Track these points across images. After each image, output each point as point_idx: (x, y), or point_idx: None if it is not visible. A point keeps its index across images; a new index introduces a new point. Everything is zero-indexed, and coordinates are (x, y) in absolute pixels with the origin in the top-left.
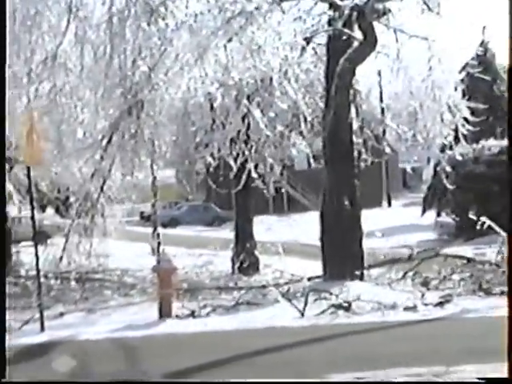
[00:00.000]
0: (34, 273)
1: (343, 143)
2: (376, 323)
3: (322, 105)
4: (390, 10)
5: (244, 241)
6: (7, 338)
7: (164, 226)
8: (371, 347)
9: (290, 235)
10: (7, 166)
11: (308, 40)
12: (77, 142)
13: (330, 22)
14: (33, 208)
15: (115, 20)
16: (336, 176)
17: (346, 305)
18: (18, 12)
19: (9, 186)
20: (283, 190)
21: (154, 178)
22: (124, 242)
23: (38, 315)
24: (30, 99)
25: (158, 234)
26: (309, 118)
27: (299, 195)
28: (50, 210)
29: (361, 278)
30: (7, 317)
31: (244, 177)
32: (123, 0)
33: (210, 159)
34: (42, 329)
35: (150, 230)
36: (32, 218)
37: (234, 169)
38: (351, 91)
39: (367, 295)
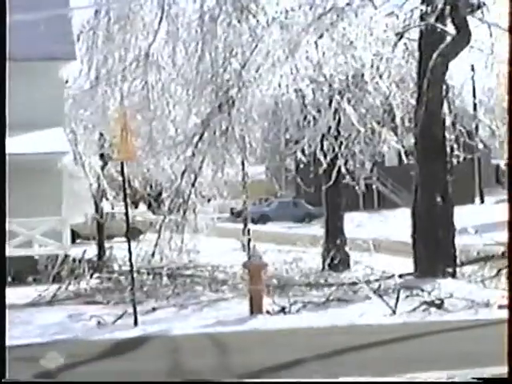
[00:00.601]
0: (126, 268)
1: (435, 139)
2: (469, 321)
3: (413, 101)
4: (484, 4)
5: (334, 237)
6: (100, 332)
7: (254, 222)
8: (464, 345)
9: (381, 232)
10: (101, 163)
11: (400, 35)
12: (168, 138)
13: (422, 17)
14: (126, 204)
15: (206, 18)
16: (428, 172)
17: (438, 302)
18: (112, 12)
19: (103, 183)
20: (373, 187)
21: (245, 174)
22: (215, 238)
23: (131, 310)
24: (123, 97)
25: (249, 230)
26: (400, 114)
27: (389, 192)
28: (142, 207)
29: (453, 275)
30: (100, 312)
31: (334, 173)
32: None
33: (300, 155)
34: (136, 323)
35: (240, 226)
36: (126, 213)
37: (325, 165)
38: (444, 86)
39: (460, 293)
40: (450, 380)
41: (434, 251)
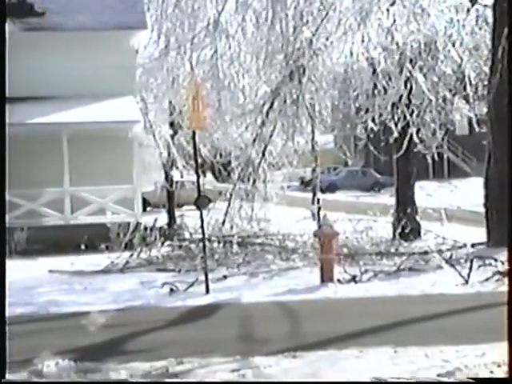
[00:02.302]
0: (197, 236)
1: (509, 107)
2: None
3: (486, 68)
4: None
5: (405, 206)
6: (172, 299)
7: (322, 191)
8: None
9: (452, 201)
10: (171, 132)
11: (474, 1)
12: (238, 107)
13: None
14: (198, 172)
15: None
16: (501, 141)
17: None
18: None
19: (173, 151)
20: (444, 156)
21: (314, 143)
22: (284, 207)
23: (202, 278)
24: (192, 65)
25: (319, 199)
26: (473, 82)
27: (460, 161)
28: (210, 176)
29: None
30: (172, 279)
31: (405, 142)
32: None
33: (371, 124)
34: (207, 291)
35: (309, 195)
36: (197, 182)
37: (396, 134)
38: None
39: None
40: (452, 380)
41: (508, 220)
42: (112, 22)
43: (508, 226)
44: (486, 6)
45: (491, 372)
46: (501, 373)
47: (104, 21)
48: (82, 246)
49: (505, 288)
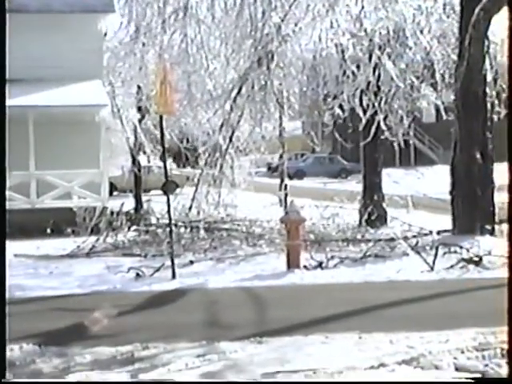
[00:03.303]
0: (163, 221)
1: (476, 95)
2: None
3: (454, 56)
4: None
5: (372, 193)
6: (138, 284)
7: (290, 177)
8: (501, 303)
9: (418, 188)
10: (138, 116)
11: None
12: (206, 92)
13: None
14: (164, 157)
15: None
16: (468, 129)
17: (476, 259)
18: None
19: (140, 136)
20: (410, 143)
21: (282, 129)
22: (252, 193)
23: (168, 263)
24: (162, 50)
25: (286, 186)
26: (441, 70)
27: (427, 148)
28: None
29: (492, 232)
30: (138, 264)
31: (373, 129)
32: None
33: (338, 111)
34: (174, 276)
35: (276, 181)
36: (164, 167)
37: (363, 120)
38: (485, 42)
39: (499, 250)
40: (451, 379)
41: (473, 208)
42: (79, 5)
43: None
44: None
45: (455, 358)
46: (464, 359)
47: (71, 3)
48: (48, 230)
49: (470, 275)
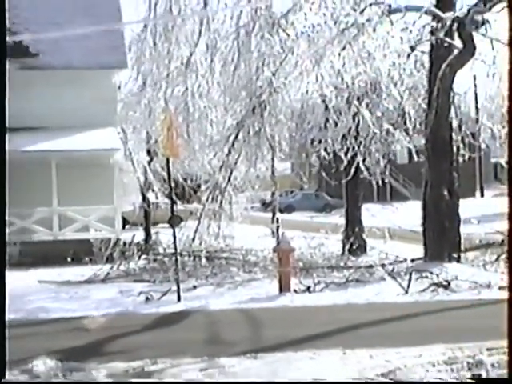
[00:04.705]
0: (170, 251)
1: (444, 140)
2: (472, 300)
3: (424, 105)
4: (487, 21)
5: (353, 225)
6: (147, 306)
7: (281, 211)
8: (468, 322)
9: (393, 221)
10: (148, 158)
11: (413, 48)
12: (207, 137)
13: (432, 32)
14: (171, 195)
15: (242, 32)
16: (436, 169)
17: (445, 283)
18: (158, 25)
19: (149, 176)
20: (387, 181)
21: (274, 169)
22: (247, 226)
23: (174, 288)
24: (166, 100)
25: (278, 219)
26: (412, 117)
27: (400, 186)
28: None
29: (458, 260)
30: (147, 289)
31: (353, 169)
32: (249, 14)
33: (323, 153)
34: (179, 299)
35: (269, 215)
36: (171, 203)
37: (345, 162)
38: (451, 93)
39: (464, 275)
40: (451, 379)
41: (442, 239)
42: (96, 62)
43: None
44: (423, 52)
45: (427, 371)
46: (435, 372)
47: (89, 61)
48: (68, 259)
49: (440, 297)
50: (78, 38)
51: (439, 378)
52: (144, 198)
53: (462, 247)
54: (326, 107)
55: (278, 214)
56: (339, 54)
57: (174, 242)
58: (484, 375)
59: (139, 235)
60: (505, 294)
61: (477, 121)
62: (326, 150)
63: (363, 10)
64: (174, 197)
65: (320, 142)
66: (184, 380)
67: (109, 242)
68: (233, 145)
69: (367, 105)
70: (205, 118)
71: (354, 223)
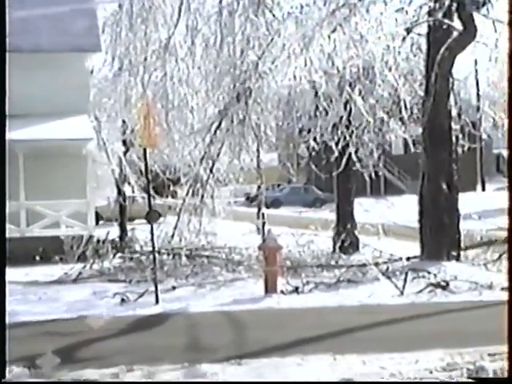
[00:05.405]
0: (147, 249)
1: (442, 129)
2: (473, 302)
3: (421, 92)
4: (489, 1)
5: (345, 221)
6: (123, 309)
7: (267, 206)
8: (467, 325)
9: (388, 217)
10: (123, 149)
11: (409, 30)
12: (187, 126)
13: (430, 13)
14: (149, 188)
15: (225, 12)
16: (434, 160)
17: (443, 284)
18: (134, 5)
19: (125, 168)
20: (380, 174)
21: (259, 161)
22: (231, 222)
23: (152, 288)
24: (144, 86)
25: (263, 214)
26: (408, 105)
27: (396, 179)
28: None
29: (457, 258)
30: (123, 290)
31: (345, 160)
32: None
33: (312, 143)
34: (157, 301)
35: (254, 210)
36: (148, 197)
37: (336, 153)
38: (450, 79)
39: (464, 275)
40: (450, 380)
41: (440, 235)
42: (68, 45)
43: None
44: (420, 34)
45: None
46: (432, 379)
47: (60, 43)
48: (37, 258)
49: (438, 299)
50: (48, 18)
51: None
52: (119, 192)
53: (462, 245)
54: (316, 94)
55: (263, 209)
56: (329, 37)
57: (152, 239)
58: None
59: (114, 232)
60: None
61: (478, 109)
62: (315, 139)
63: None
64: (152, 190)
65: (309, 131)
66: None
67: (81, 239)
68: (215, 134)
69: (360, 91)
70: (185, 105)
71: (345, 219)
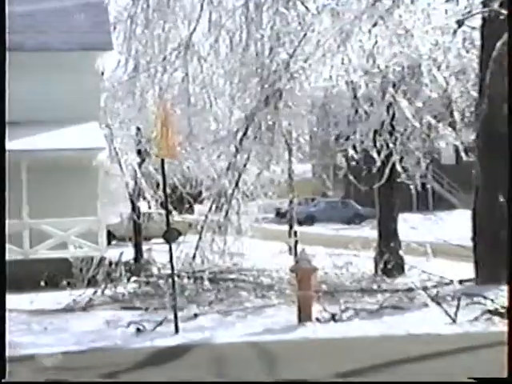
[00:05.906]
0: (165, 271)
1: (499, 134)
2: None
3: (474, 93)
4: None
5: (388, 240)
6: (139, 339)
7: (300, 223)
8: None
9: (437, 235)
10: (138, 160)
11: (460, 23)
12: (210, 134)
13: (484, 3)
14: (167, 203)
15: (251, 5)
16: (490, 170)
17: (502, 311)
18: None
19: (140, 181)
20: (428, 186)
21: (291, 172)
22: (259, 241)
23: (171, 316)
24: (162, 89)
25: (296, 232)
26: (460, 108)
27: (446, 192)
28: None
29: None
30: (138, 318)
31: (388, 171)
32: None
33: (351, 152)
34: (177, 331)
35: (285, 227)
36: (166, 214)
37: (378, 162)
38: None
39: None
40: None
41: (497, 256)
42: (76, 43)
43: (507, 252)
44: (473, 28)
45: None
46: None
47: (67, 41)
48: (42, 283)
49: (495, 328)
50: (52, 13)
51: None
52: (134, 208)
53: None
54: (355, 96)
55: (295, 227)
56: (369, 32)
57: (171, 260)
58: None
59: (128, 253)
60: None
61: None
62: (354, 148)
63: None
64: (170, 206)
65: (347, 138)
66: None
67: (91, 261)
68: (241, 142)
69: (405, 93)
70: (208, 110)
71: (388, 237)
